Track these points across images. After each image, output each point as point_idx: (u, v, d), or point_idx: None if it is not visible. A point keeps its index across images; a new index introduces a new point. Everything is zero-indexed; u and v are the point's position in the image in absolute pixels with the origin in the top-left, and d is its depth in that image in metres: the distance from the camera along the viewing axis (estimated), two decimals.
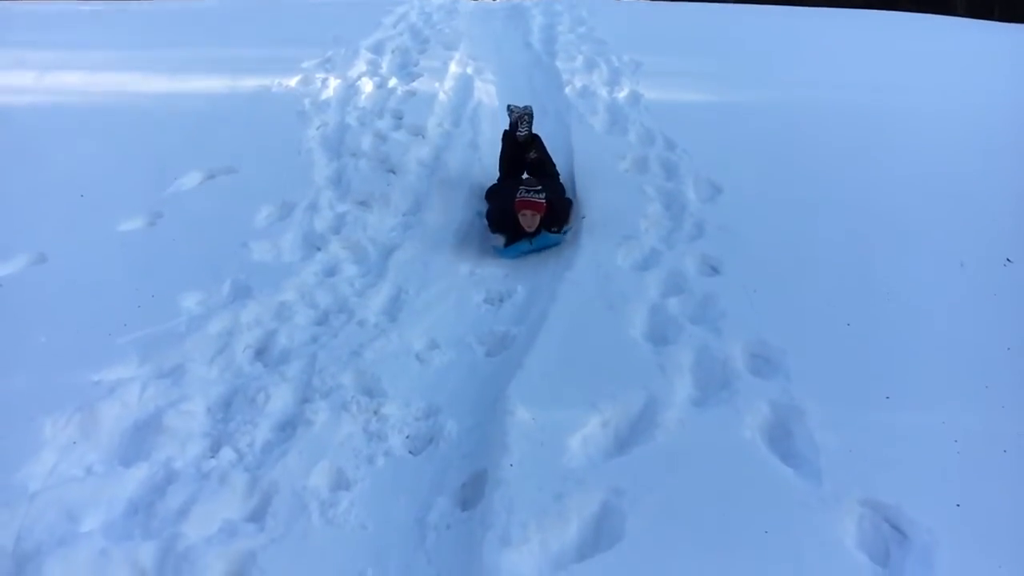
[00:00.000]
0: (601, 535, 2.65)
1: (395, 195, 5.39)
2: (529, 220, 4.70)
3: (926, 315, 3.76)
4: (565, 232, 4.90)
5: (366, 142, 5.99)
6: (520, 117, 5.34)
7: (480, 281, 4.54)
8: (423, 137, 6.13)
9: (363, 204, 5.27)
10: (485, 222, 5.04)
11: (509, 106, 5.58)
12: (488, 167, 5.70)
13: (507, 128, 5.41)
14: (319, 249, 4.73)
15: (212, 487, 2.89)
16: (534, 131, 5.38)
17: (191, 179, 5.45)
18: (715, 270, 4.34)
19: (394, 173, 5.65)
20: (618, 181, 5.41)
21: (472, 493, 2.96)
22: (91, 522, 2.70)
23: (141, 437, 3.14)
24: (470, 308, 4.32)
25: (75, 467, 2.94)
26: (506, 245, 4.84)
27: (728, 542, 2.55)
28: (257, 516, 2.82)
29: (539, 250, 4.79)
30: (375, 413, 3.37)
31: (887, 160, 5.58)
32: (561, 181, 5.36)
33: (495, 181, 5.45)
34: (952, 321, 3.71)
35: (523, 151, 5.32)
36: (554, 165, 5.37)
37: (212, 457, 3.07)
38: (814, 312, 3.83)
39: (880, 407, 3.14)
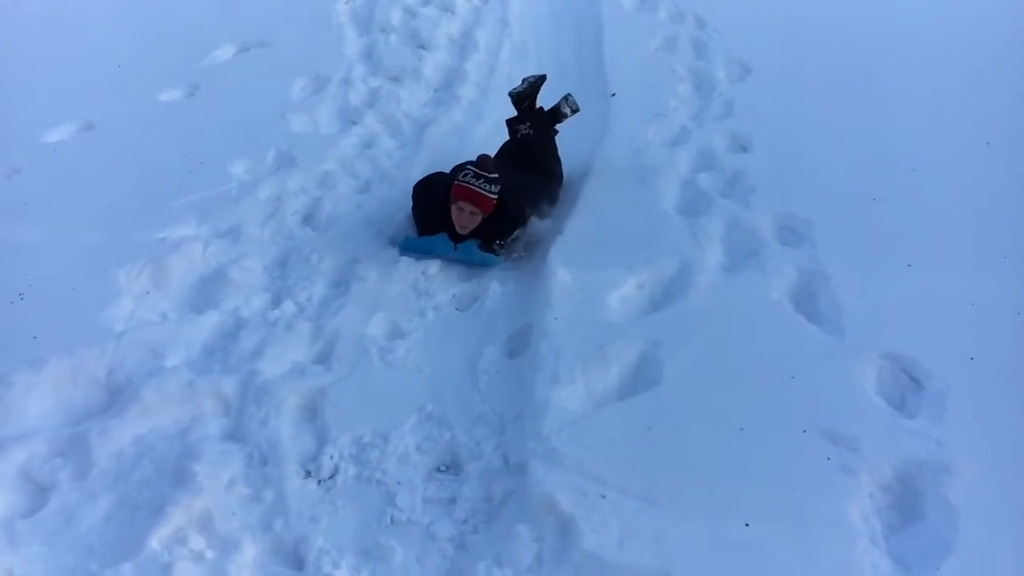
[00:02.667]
0: (640, 379, 2.88)
1: (427, 71, 5.45)
2: (464, 217, 3.55)
3: (950, 190, 3.90)
4: (499, 252, 3.69)
5: (395, 17, 6.00)
6: (526, 81, 4.20)
7: None
8: (452, 13, 6.12)
9: (395, 79, 5.34)
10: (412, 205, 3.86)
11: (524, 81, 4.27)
12: (518, 44, 5.72)
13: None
14: (355, 123, 4.84)
15: (279, 333, 3.11)
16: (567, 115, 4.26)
17: (224, 52, 5.50)
18: (744, 148, 4.45)
19: (424, 49, 5.68)
20: (648, 60, 5.46)
21: (518, 344, 3.19)
22: (174, 359, 2.95)
23: (208, 289, 3.35)
24: None
25: (151, 313, 3.16)
26: (419, 233, 3.75)
27: (757, 384, 2.78)
28: (323, 359, 3.06)
29: (459, 261, 3.65)
30: (423, 273, 3.57)
31: (919, 40, 5.57)
32: (553, 183, 4.11)
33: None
34: (975, 196, 3.84)
35: (513, 121, 4.18)
36: (556, 160, 4.16)
37: (275, 308, 3.29)
38: (841, 187, 3.96)
39: (902, 273, 3.32)
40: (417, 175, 4.34)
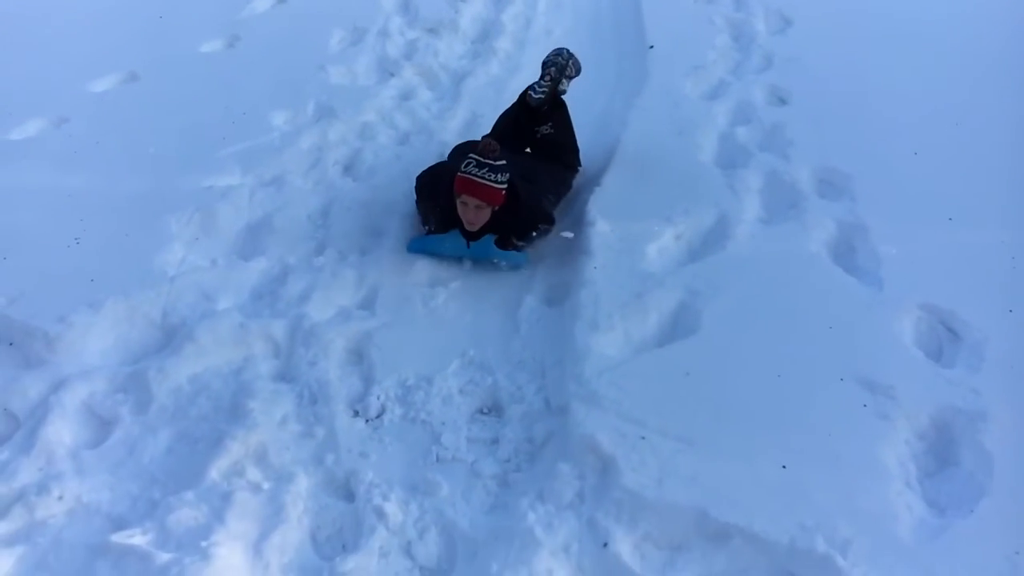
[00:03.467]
0: (678, 327, 2.93)
1: (463, 22, 5.44)
2: (470, 213, 3.19)
3: (993, 145, 3.86)
4: (523, 250, 3.38)
5: None
6: (548, 64, 3.72)
7: None
8: None
9: (432, 31, 5.35)
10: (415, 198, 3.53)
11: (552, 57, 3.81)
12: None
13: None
14: (392, 74, 4.87)
15: (325, 279, 3.20)
16: (565, 91, 3.76)
17: (263, 2, 5.56)
18: (783, 101, 4.43)
19: (462, 1, 5.67)
20: (687, 11, 5.42)
21: (558, 294, 3.24)
22: (225, 302, 3.04)
23: (255, 236, 3.44)
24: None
25: (202, 259, 3.25)
26: (428, 232, 3.41)
27: (794, 334, 2.81)
28: (367, 304, 3.15)
29: (475, 259, 3.37)
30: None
31: None
32: (571, 173, 3.80)
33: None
34: (1019, 151, 3.81)
35: (534, 121, 3.70)
36: (575, 151, 3.80)
37: (320, 255, 3.36)
38: (881, 141, 3.94)
39: (942, 226, 3.32)
40: (456, 127, 4.40)
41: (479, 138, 3.66)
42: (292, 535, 2.25)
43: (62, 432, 2.52)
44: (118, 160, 3.82)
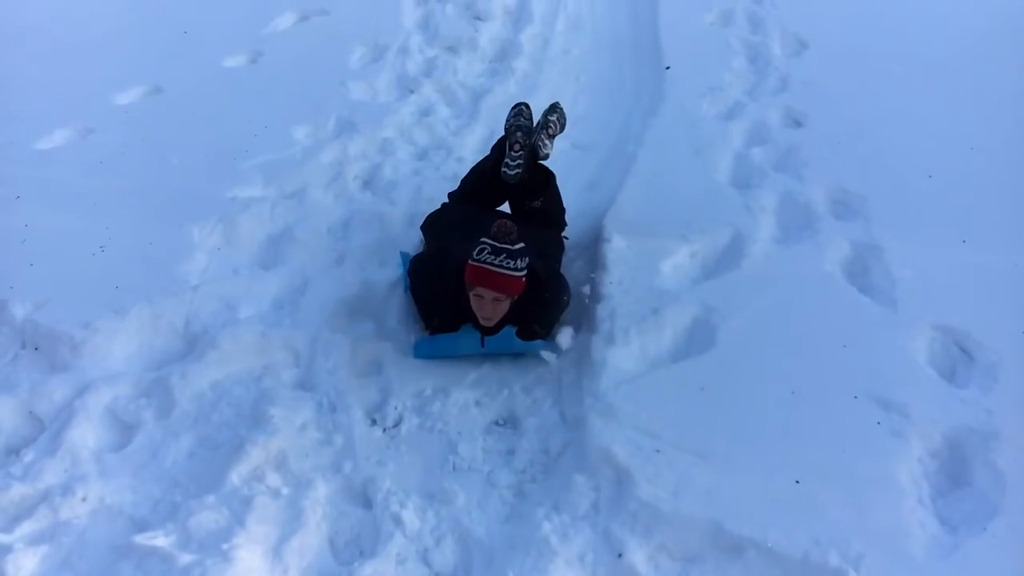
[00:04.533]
0: (693, 343, 2.96)
1: (482, 41, 5.52)
2: (487, 307, 2.77)
3: (1008, 169, 3.89)
4: (548, 338, 3.03)
5: None
6: (512, 130, 3.29)
7: (568, 128, 4.72)
8: None
9: (451, 49, 5.42)
10: (410, 290, 3.16)
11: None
12: (572, 16, 5.74)
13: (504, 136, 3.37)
14: (412, 91, 4.94)
15: (344, 291, 3.23)
16: (548, 155, 3.32)
17: (286, 19, 5.63)
18: (798, 123, 4.47)
19: (480, 20, 5.75)
20: (704, 33, 5.48)
21: (574, 311, 3.26)
22: (246, 311, 3.09)
23: (276, 247, 3.49)
24: (560, 152, 4.52)
25: (224, 268, 3.30)
26: (432, 333, 3.04)
27: (809, 351, 2.84)
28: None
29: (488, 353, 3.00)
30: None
31: (982, 17, 5.50)
32: (559, 233, 3.43)
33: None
34: None
35: (524, 196, 3.34)
36: (563, 215, 3.45)
37: (339, 267, 3.41)
38: (896, 163, 3.97)
39: (957, 248, 3.35)
40: (473, 144, 4.45)
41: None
42: (311, 540, 2.29)
43: (86, 435, 2.57)
44: (142, 170, 3.89)
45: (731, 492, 2.33)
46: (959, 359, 2.88)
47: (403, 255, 3.38)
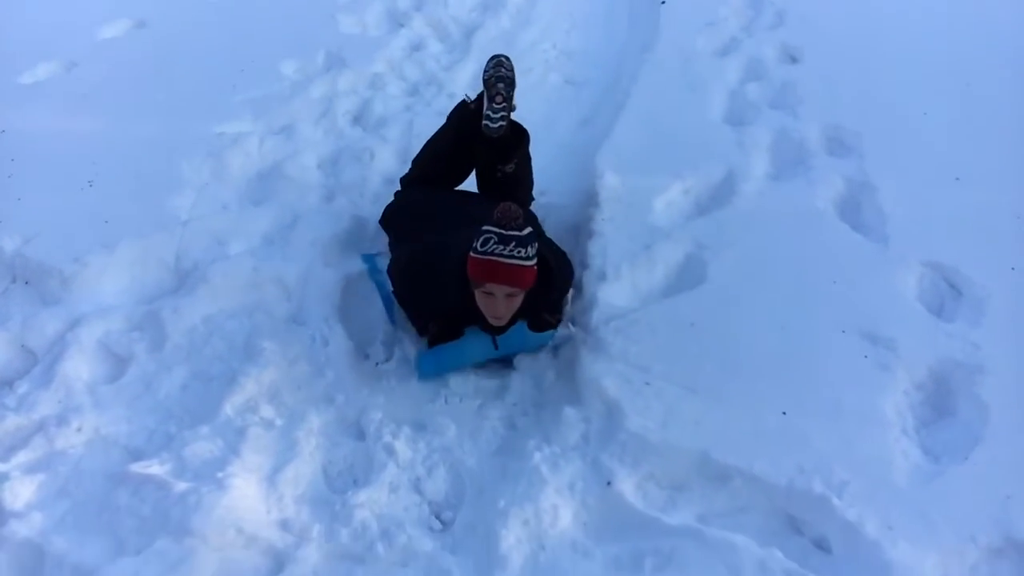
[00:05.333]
0: (684, 278, 2.97)
1: None
2: (500, 305, 2.42)
3: (1003, 106, 3.86)
4: (559, 323, 2.80)
5: None
6: (493, 81, 2.91)
7: (561, 64, 4.67)
8: None
9: None
10: (395, 299, 2.85)
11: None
12: None
13: (467, 99, 3.08)
14: (402, 25, 4.86)
15: (335, 227, 3.22)
16: (515, 107, 2.95)
17: None
18: (794, 59, 4.42)
19: None
20: None
21: (567, 243, 3.25)
22: (237, 247, 3.08)
23: (266, 183, 3.46)
24: (553, 88, 4.48)
25: (213, 203, 3.28)
26: (431, 344, 2.73)
27: (799, 287, 2.85)
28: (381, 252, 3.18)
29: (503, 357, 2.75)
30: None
31: None
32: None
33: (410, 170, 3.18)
34: None
35: (500, 158, 2.97)
36: (531, 188, 3.15)
37: (329, 203, 3.39)
38: (892, 100, 3.94)
39: (949, 186, 3.34)
40: (465, 80, 4.39)
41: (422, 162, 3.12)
42: (305, 469, 2.32)
43: (79, 367, 2.58)
44: (128, 105, 3.84)
45: (718, 423, 2.36)
46: (948, 294, 2.89)
47: (366, 257, 3.05)
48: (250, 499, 2.16)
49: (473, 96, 3.06)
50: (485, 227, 2.36)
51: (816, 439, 2.31)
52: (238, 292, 2.87)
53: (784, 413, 2.39)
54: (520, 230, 2.35)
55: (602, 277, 2.90)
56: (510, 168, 2.96)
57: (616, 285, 2.90)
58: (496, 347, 2.66)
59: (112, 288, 2.88)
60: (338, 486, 2.33)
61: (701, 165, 3.51)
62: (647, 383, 2.49)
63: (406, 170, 3.28)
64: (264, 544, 2.07)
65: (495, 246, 2.33)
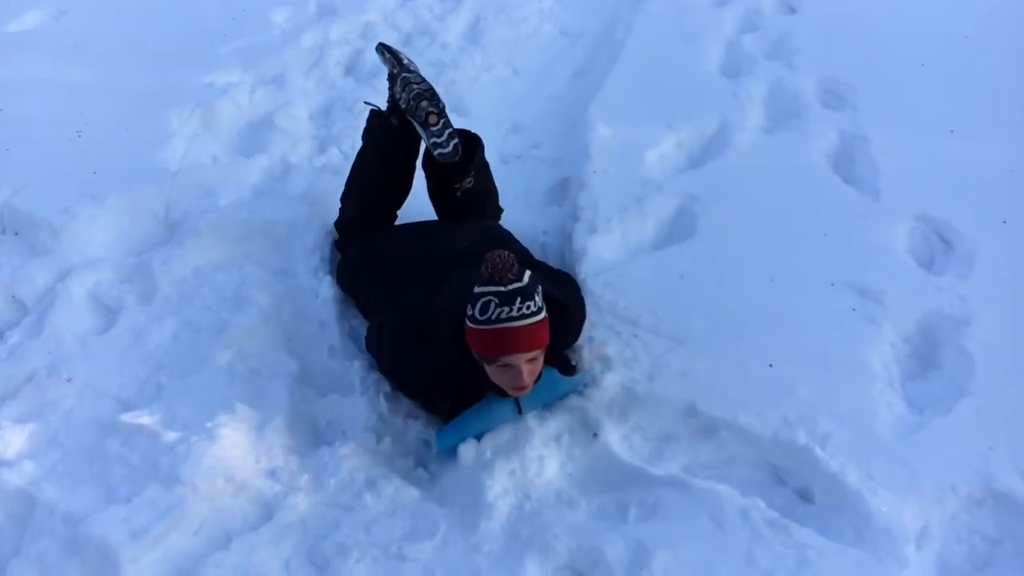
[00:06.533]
0: (675, 231, 2.96)
1: None
2: (522, 375, 2.04)
3: (1001, 59, 3.80)
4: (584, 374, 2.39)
5: None
6: (414, 106, 2.54)
7: (556, 14, 4.60)
8: None
9: None
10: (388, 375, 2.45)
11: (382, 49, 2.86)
12: None
13: (386, 107, 2.79)
14: None
15: (326, 179, 3.21)
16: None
17: None
18: (792, 9, 4.37)
19: None
20: None
21: (558, 195, 3.27)
22: (226, 198, 3.07)
23: (256, 134, 3.44)
24: (548, 39, 4.42)
25: (203, 155, 3.27)
26: (447, 419, 2.31)
27: (789, 240, 2.84)
28: None
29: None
30: None
31: None
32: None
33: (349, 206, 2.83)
34: None
35: (455, 178, 2.64)
36: (497, 195, 2.84)
37: (321, 155, 3.37)
38: (888, 52, 3.88)
39: (944, 139, 3.31)
40: (459, 30, 4.34)
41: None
42: (293, 420, 2.33)
43: (69, 319, 2.58)
44: (117, 55, 3.80)
45: (705, 375, 2.37)
46: (938, 248, 2.89)
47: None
48: (239, 448, 2.18)
49: (373, 103, 2.79)
50: (478, 289, 1.98)
51: (801, 391, 2.32)
52: (228, 243, 2.86)
53: (771, 365, 2.40)
54: (520, 280, 1.97)
55: (592, 230, 2.90)
56: (468, 183, 2.65)
57: (607, 238, 2.89)
58: (520, 411, 2.26)
59: (102, 239, 2.88)
60: (326, 437, 2.35)
61: (695, 117, 3.49)
62: (635, 335, 2.51)
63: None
64: (253, 492, 2.09)
65: (498, 310, 1.96)
